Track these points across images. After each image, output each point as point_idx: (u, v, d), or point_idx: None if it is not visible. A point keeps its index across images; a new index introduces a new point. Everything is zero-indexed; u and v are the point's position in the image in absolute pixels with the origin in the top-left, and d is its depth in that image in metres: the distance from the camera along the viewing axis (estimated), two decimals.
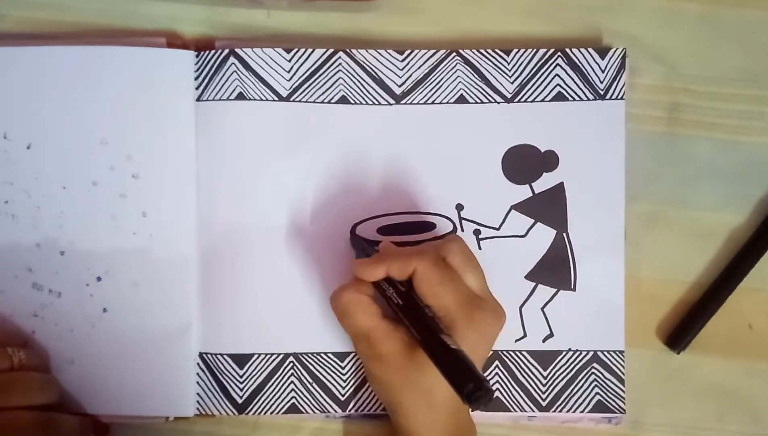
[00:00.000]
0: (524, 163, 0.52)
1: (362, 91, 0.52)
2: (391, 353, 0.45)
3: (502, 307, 0.48)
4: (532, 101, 0.52)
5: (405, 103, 0.52)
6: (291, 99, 0.52)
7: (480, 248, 0.52)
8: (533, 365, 0.52)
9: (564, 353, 0.52)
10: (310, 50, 0.52)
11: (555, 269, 0.52)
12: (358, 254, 0.50)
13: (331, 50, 0.52)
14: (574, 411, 0.52)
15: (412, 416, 0.46)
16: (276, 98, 0.52)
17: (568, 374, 0.52)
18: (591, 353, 0.52)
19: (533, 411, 0.52)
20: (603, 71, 0.52)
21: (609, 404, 0.52)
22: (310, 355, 0.52)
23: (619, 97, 0.52)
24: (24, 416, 0.46)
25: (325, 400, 0.52)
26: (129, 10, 0.53)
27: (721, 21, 0.54)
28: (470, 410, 0.48)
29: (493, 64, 0.52)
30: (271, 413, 0.52)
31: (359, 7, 0.53)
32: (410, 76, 0.52)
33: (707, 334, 0.53)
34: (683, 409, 0.53)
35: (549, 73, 0.52)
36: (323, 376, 0.52)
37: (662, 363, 0.53)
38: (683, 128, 0.54)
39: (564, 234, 0.52)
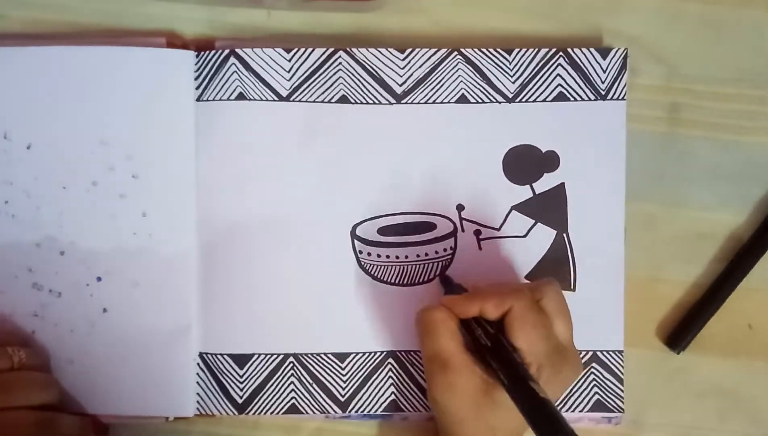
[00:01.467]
0: (525, 163, 0.52)
1: (363, 91, 0.52)
2: (467, 387, 0.45)
3: (580, 358, 0.48)
4: (533, 101, 0.52)
5: (406, 103, 0.52)
6: (291, 99, 0.52)
7: (480, 249, 0.52)
8: None
9: None
10: (310, 50, 0.51)
11: (555, 270, 0.52)
12: (447, 292, 0.50)
13: (331, 49, 0.52)
14: (573, 411, 0.52)
15: None
16: (276, 98, 0.52)
17: None
18: (590, 353, 0.52)
19: None
20: (604, 71, 0.52)
21: (608, 404, 0.52)
22: (310, 355, 0.52)
23: (620, 97, 0.52)
24: (24, 416, 0.46)
25: (325, 400, 0.52)
26: (129, 11, 0.53)
27: (721, 21, 0.54)
28: None
29: (495, 63, 0.52)
30: (271, 413, 0.52)
31: (359, 7, 0.53)
32: (411, 75, 0.52)
33: (707, 334, 0.53)
34: (683, 409, 0.53)
35: (550, 73, 0.52)
36: (323, 376, 0.52)
37: (662, 363, 0.53)
38: (683, 128, 0.54)
39: (564, 235, 0.52)
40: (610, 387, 0.52)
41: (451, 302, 0.46)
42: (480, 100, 0.52)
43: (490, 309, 0.45)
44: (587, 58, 0.52)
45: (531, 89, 0.52)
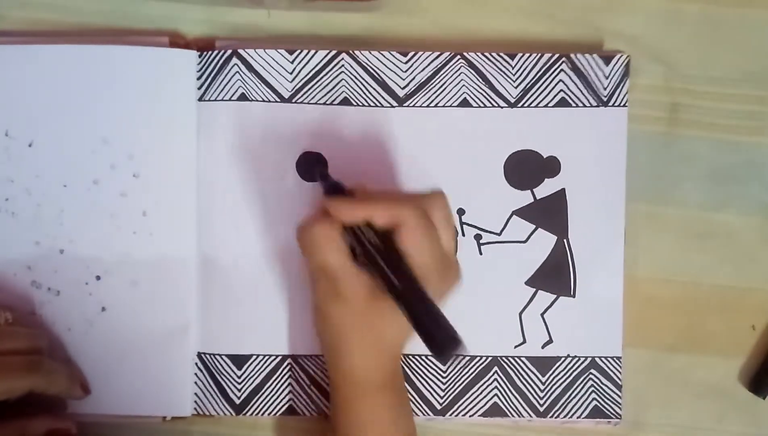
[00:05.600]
0: (526, 168, 0.52)
1: (365, 93, 0.52)
2: (355, 295, 0.45)
3: (460, 266, 0.48)
4: (535, 106, 0.52)
5: (408, 106, 0.52)
6: (293, 100, 0.52)
7: (481, 253, 0.52)
8: (532, 371, 0.52)
9: (562, 359, 0.52)
10: (312, 52, 0.52)
11: (555, 275, 0.52)
12: (328, 190, 0.48)
13: (333, 52, 0.52)
14: (570, 417, 0.52)
15: (357, 358, 0.46)
16: (278, 99, 0.52)
17: (566, 380, 0.52)
18: (589, 359, 0.52)
19: (531, 416, 0.52)
20: (606, 78, 0.52)
21: (606, 410, 0.52)
22: (308, 357, 0.52)
23: (621, 104, 0.52)
24: (13, 360, 0.45)
25: (322, 402, 0.52)
26: (129, 11, 0.53)
27: (721, 21, 0.54)
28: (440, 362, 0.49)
29: (498, 68, 0.52)
30: (269, 414, 0.52)
31: (359, 7, 0.52)
32: (413, 78, 0.52)
33: (708, 334, 0.53)
34: (683, 409, 0.53)
35: (553, 79, 0.52)
36: (321, 378, 0.52)
37: (662, 363, 0.53)
38: (683, 128, 0.54)
39: (564, 240, 0.52)
40: (608, 393, 0.52)
41: (336, 207, 0.45)
42: (482, 105, 0.52)
43: (380, 216, 0.44)
44: (590, 64, 0.52)
45: (533, 94, 0.52)
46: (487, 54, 0.52)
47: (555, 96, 0.52)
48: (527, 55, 0.52)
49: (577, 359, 0.52)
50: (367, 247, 0.44)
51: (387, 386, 0.46)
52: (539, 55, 0.52)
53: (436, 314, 0.42)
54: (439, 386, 0.52)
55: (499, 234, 0.52)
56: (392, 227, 0.44)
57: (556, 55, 0.52)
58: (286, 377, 0.52)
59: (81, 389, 0.50)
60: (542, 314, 0.52)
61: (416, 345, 0.51)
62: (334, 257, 0.45)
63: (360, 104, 0.52)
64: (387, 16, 0.53)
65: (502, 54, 0.52)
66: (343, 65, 0.52)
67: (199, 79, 0.51)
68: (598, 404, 0.52)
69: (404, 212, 0.44)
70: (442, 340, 0.41)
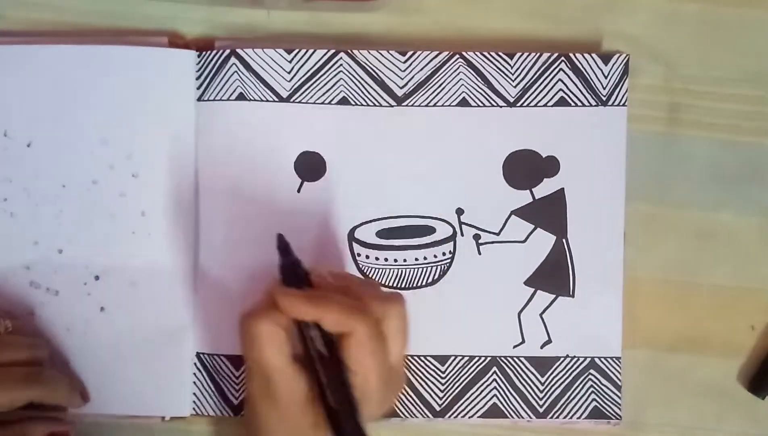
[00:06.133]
0: (525, 168, 0.52)
1: (363, 93, 0.52)
2: (290, 402, 0.42)
3: (404, 371, 0.47)
4: (534, 106, 0.52)
5: (406, 105, 0.52)
6: (291, 100, 0.52)
7: (479, 254, 0.52)
8: (531, 372, 0.52)
9: (562, 359, 0.52)
10: (311, 51, 0.51)
11: (554, 275, 0.52)
12: (287, 275, 0.44)
13: (332, 51, 0.52)
14: (570, 417, 0.52)
15: None
16: (276, 99, 0.52)
17: (565, 380, 0.52)
18: (588, 360, 0.52)
19: (530, 417, 0.52)
20: (606, 77, 0.52)
21: (605, 411, 0.52)
22: None
23: (621, 103, 0.52)
24: (13, 371, 0.45)
25: None
26: (128, 11, 0.53)
27: (721, 21, 0.54)
28: None
29: (496, 67, 0.52)
30: None
31: (359, 7, 0.52)
32: (412, 77, 0.52)
33: (708, 334, 0.53)
34: (683, 409, 0.53)
35: (552, 78, 0.52)
36: None
37: (662, 363, 0.53)
38: (683, 128, 0.54)
39: (564, 240, 0.52)
40: (607, 394, 0.52)
41: (286, 301, 0.42)
42: (481, 104, 0.52)
43: (330, 323, 0.42)
44: (589, 64, 0.52)
45: (532, 94, 0.52)
46: (485, 53, 0.52)
47: (554, 95, 0.52)
48: (526, 54, 0.52)
49: (576, 359, 0.52)
50: (309, 349, 0.42)
51: None
52: (538, 54, 0.52)
53: None
54: (438, 387, 0.52)
55: (498, 234, 0.52)
56: (340, 334, 0.42)
57: (555, 55, 0.52)
58: None
59: (80, 398, 0.50)
60: (541, 314, 0.52)
61: (415, 346, 0.51)
62: (273, 357, 0.42)
63: (358, 104, 0.52)
64: (386, 16, 0.53)
65: (500, 53, 0.52)
66: (341, 64, 0.52)
67: (198, 79, 0.51)
68: (598, 405, 0.52)
69: (355, 324, 0.42)
70: None
